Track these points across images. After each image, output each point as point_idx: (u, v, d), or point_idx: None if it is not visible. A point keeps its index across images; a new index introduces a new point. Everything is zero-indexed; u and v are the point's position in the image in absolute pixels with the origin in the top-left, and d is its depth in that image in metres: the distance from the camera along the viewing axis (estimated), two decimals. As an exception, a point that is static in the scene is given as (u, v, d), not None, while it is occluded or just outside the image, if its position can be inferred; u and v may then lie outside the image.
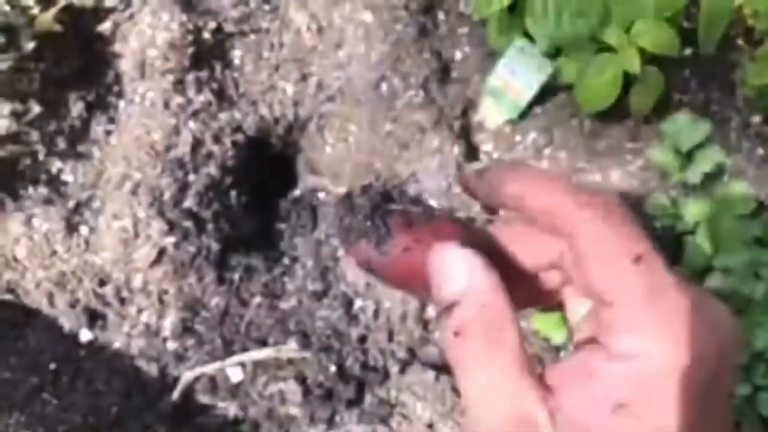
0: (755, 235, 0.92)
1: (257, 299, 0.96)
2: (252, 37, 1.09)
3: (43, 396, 0.91)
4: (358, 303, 0.97)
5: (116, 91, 1.05)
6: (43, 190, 0.98)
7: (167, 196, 0.96)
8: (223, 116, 1.03)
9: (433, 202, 0.35)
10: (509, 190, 0.34)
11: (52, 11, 1.00)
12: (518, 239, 0.36)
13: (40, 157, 0.99)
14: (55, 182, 1.00)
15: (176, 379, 0.93)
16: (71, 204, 0.98)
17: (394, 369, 0.95)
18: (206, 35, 1.06)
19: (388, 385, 0.95)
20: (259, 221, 1.05)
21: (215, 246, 0.96)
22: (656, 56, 0.97)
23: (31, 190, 0.97)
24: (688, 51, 1.04)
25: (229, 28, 1.08)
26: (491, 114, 1.07)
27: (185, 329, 0.94)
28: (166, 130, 0.99)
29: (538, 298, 0.37)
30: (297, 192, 1.08)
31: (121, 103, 1.04)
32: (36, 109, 0.98)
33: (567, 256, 0.35)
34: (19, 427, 0.87)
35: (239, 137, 1.04)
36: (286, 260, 1.01)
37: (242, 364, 0.92)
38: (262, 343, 0.94)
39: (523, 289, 0.36)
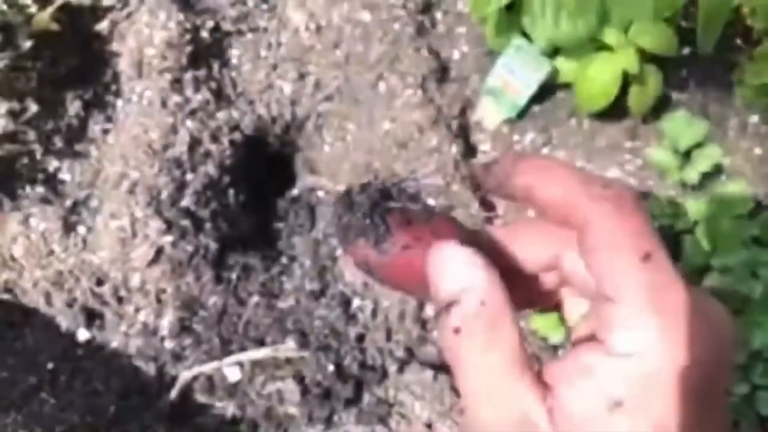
0: (753, 234, 0.92)
1: (255, 298, 0.95)
2: (250, 36, 1.09)
3: (40, 395, 0.91)
4: (356, 302, 0.97)
5: (114, 90, 1.05)
6: (40, 190, 0.98)
7: (165, 195, 0.96)
8: (221, 115, 1.03)
9: (431, 201, 0.35)
10: (518, 181, 0.34)
11: (50, 10, 0.99)
12: (513, 240, 0.36)
13: (38, 156, 0.98)
14: (52, 181, 0.99)
15: (174, 379, 0.92)
16: (69, 203, 0.98)
17: (392, 368, 0.95)
18: (204, 34, 1.06)
19: (387, 385, 0.95)
20: (256, 220, 1.05)
21: (213, 245, 0.96)
22: (655, 56, 0.97)
23: (28, 189, 0.97)
24: (686, 50, 1.04)
25: (226, 27, 1.08)
26: (489, 113, 1.07)
27: (183, 328, 0.93)
28: (163, 129, 0.99)
29: (537, 299, 0.37)
30: (295, 191, 1.08)
31: (119, 102, 1.04)
32: (33, 108, 0.98)
33: (562, 258, 0.35)
34: (16, 427, 0.87)
35: (237, 136, 1.03)
36: (284, 259, 1.01)
37: (240, 364, 0.92)
38: (260, 343, 0.94)
39: (522, 289, 0.36)
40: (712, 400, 0.30)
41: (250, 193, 1.05)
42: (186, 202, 0.97)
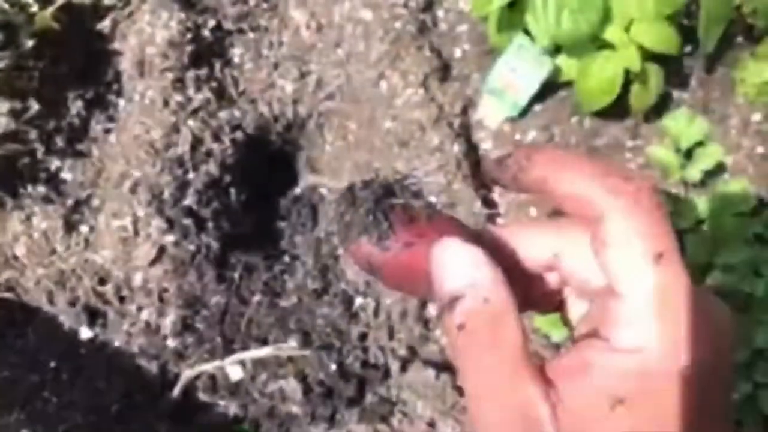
0: (755, 232, 0.92)
1: (257, 297, 0.95)
2: (251, 35, 1.09)
3: (43, 394, 0.91)
4: (358, 301, 0.97)
5: (115, 89, 1.05)
6: (42, 189, 0.98)
7: (167, 194, 0.96)
8: (223, 114, 1.03)
9: (433, 199, 0.34)
10: (533, 174, 0.34)
11: (51, 9, 0.99)
12: (514, 240, 0.36)
13: (39, 155, 0.98)
14: (54, 181, 0.99)
15: (176, 377, 0.92)
16: (70, 202, 0.98)
17: (394, 367, 0.95)
18: (205, 33, 1.06)
19: (389, 384, 0.95)
20: (258, 219, 1.05)
21: (215, 244, 0.96)
22: (656, 54, 0.97)
23: (30, 188, 0.97)
24: (688, 49, 1.04)
25: (228, 26, 1.08)
26: (491, 112, 1.07)
27: (185, 327, 0.93)
28: (165, 128, 0.99)
29: (539, 299, 0.37)
30: (297, 190, 1.08)
31: (121, 102, 1.04)
32: (35, 107, 0.98)
33: (562, 257, 0.35)
34: (19, 426, 0.87)
35: (239, 135, 1.03)
36: (286, 258, 1.01)
37: (242, 363, 0.92)
38: (263, 342, 0.94)
39: (524, 289, 0.36)
40: (714, 397, 0.31)
41: (251, 192, 1.05)
42: (188, 201, 0.97)
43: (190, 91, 1.02)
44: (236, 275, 0.96)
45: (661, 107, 1.04)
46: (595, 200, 0.31)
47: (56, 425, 0.89)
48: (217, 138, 1.01)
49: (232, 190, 1.02)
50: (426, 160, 1.00)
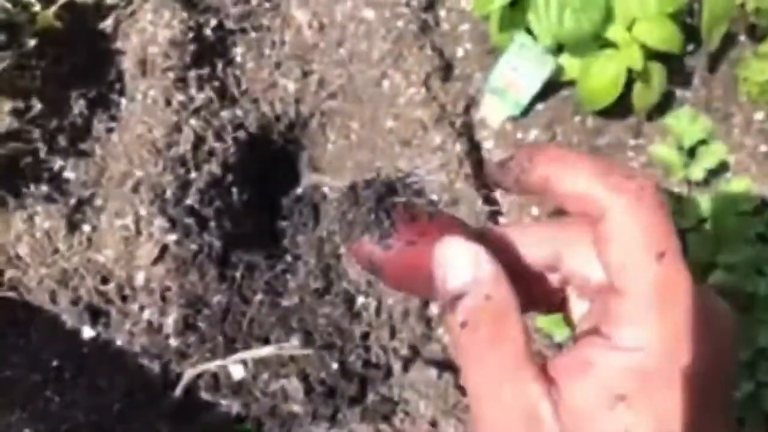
0: (758, 231, 0.92)
1: (259, 296, 0.95)
2: (253, 34, 1.09)
3: (45, 393, 0.91)
4: (360, 300, 0.97)
5: (118, 88, 1.05)
6: (44, 188, 0.98)
7: (169, 193, 0.96)
8: (225, 114, 1.03)
9: (434, 197, 0.35)
10: (535, 175, 0.34)
11: (53, 8, 0.99)
12: (515, 239, 0.36)
13: (42, 154, 0.99)
14: (56, 180, 0.99)
15: (179, 377, 0.93)
16: (73, 202, 0.98)
17: (396, 366, 0.95)
18: (207, 33, 1.06)
19: (391, 383, 0.95)
20: (260, 219, 1.05)
21: (217, 243, 0.96)
22: (659, 53, 0.97)
23: (32, 187, 0.97)
24: (690, 47, 1.04)
25: (230, 25, 1.08)
26: (493, 111, 1.07)
27: (187, 326, 0.93)
28: (167, 127, 0.99)
29: (541, 299, 0.37)
30: (299, 189, 1.08)
31: (123, 101, 1.04)
32: (37, 106, 0.98)
33: (562, 257, 0.35)
34: (21, 425, 0.87)
35: (241, 135, 1.04)
36: (288, 258, 1.01)
37: (244, 362, 0.92)
38: (264, 341, 0.94)
39: (525, 288, 0.36)
40: (715, 396, 0.31)
41: (254, 191, 1.05)
42: (190, 200, 0.97)
43: (193, 91, 1.02)
44: (238, 274, 0.96)
45: (663, 106, 1.04)
46: (597, 198, 0.31)
47: (58, 424, 0.89)
48: (219, 137, 1.01)
49: (234, 190, 1.02)
50: (428, 159, 1.00)
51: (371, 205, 0.34)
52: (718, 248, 0.91)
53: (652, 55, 0.96)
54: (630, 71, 0.96)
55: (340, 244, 0.98)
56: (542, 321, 0.95)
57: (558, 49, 1.02)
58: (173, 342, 0.93)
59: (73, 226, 0.97)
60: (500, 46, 1.04)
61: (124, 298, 0.95)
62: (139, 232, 0.95)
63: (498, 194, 1.05)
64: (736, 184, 0.97)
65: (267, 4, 1.09)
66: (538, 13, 0.97)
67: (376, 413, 0.93)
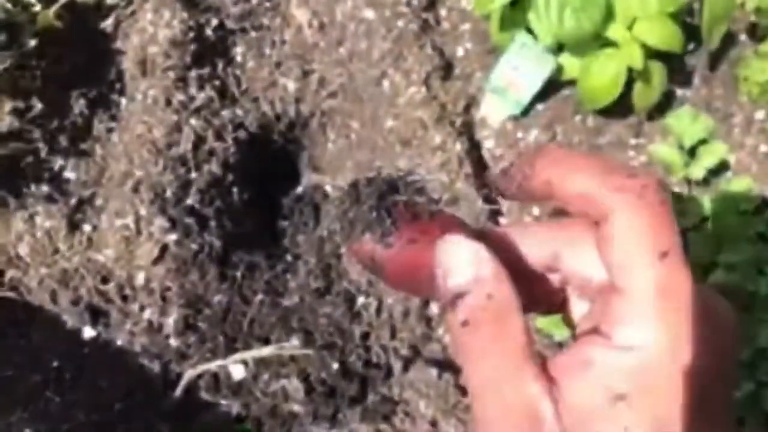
0: (759, 231, 0.92)
1: (260, 296, 0.95)
2: (253, 34, 1.09)
3: (46, 393, 0.91)
4: (360, 300, 0.97)
5: (118, 88, 1.05)
6: (45, 188, 0.98)
7: (169, 193, 0.96)
8: (225, 113, 1.03)
9: (435, 196, 0.35)
10: (537, 180, 0.34)
11: (54, 8, 0.99)
12: (515, 239, 0.36)
13: (42, 154, 0.99)
14: (57, 180, 0.99)
15: (179, 377, 0.92)
16: (73, 201, 0.98)
17: (397, 366, 0.95)
18: (208, 32, 1.06)
19: (391, 383, 0.95)
20: (261, 218, 1.05)
21: (217, 243, 0.96)
22: (659, 52, 0.96)
23: (33, 187, 0.97)
24: (691, 46, 1.04)
25: (230, 25, 1.08)
26: (494, 110, 1.07)
27: (188, 326, 0.93)
28: (167, 127, 0.99)
29: (541, 299, 0.37)
30: (299, 189, 1.08)
31: (123, 101, 1.04)
32: (38, 106, 0.98)
33: (562, 257, 0.35)
34: (22, 425, 0.87)
35: (241, 134, 1.04)
36: (288, 257, 1.01)
37: (245, 362, 0.92)
38: (265, 341, 0.94)
39: (526, 289, 0.36)
40: (716, 395, 0.31)
41: (254, 191, 1.05)
42: (190, 200, 0.97)
43: (193, 90, 1.02)
44: (238, 274, 0.96)
45: (664, 105, 1.04)
46: (599, 198, 0.31)
47: (59, 424, 0.89)
48: (219, 137, 1.01)
49: (235, 189, 1.02)
50: (428, 158, 1.00)
51: (372, 204, 0.34)
52: (718, 248, 0.91)
53: (652, 54, 0.96)
54: (630, 70, 0.96)
55: (340, 243, 0.98)
56: (542, 321, 0.95)
57: (558, 48, 1.02)
58: (173, 342, 0.93)
59: (73, 226, 0.96)
60: (501, 45, 1.04)
61: (124, 298, 0.95)
62: (139, 232, 0.95)
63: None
64: (736, 183, 0.97)
65: (267, 4, 1.09)
66: (538, 12, 0.97)
67: (377, 413, 0.93)
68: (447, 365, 0.95)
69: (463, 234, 0.33)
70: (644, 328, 0.30)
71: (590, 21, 0.95)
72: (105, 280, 0.95)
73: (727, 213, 0.93)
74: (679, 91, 1.05)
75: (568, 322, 0.37)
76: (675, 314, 0.30)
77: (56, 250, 0.96)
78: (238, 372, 0.93)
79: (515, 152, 1.06)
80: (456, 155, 1.00)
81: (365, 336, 0.96)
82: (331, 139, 1.07)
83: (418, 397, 0.94)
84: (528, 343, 0.31)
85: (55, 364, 0.93)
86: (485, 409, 0.31)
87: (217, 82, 1.05)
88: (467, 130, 1.06)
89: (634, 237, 0.31)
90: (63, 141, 1.00)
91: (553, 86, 1.05)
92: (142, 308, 0.94)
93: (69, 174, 1.00)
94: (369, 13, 1.06)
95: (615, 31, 0.97)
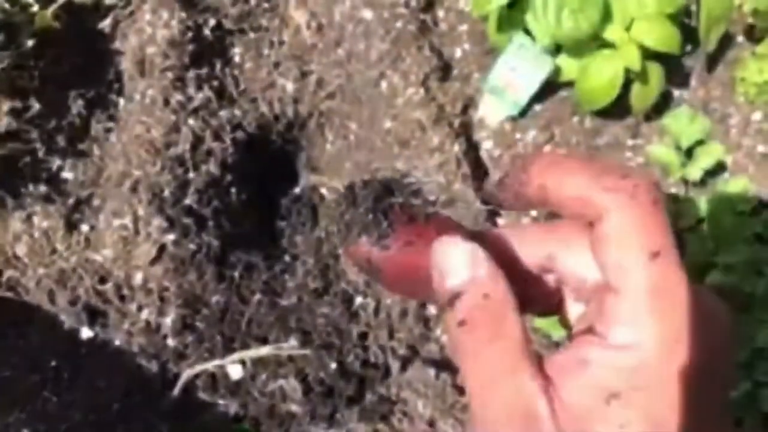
0: (756, 232, 0.92)
1: (257, 296, 0.95)
2: (252, 34, 1.09)
3: (43, 394, 0.91)
4: (358, 300, 0.97)
5: (116, 88, 1.05)
6: (43, 188, 0.98)
7: (167, 193, 0.96)
8: (223, 114, 1.03)
9: (432, 198, 0.35)
10: (533, 186, 0.34)
11: (52, 8, 0.99)
12: (510, 240, 0.36)
13: (40, 154, 0.98)
14: (55, 180, 0.99)
15: (177, 377, 0.93)
16: (71, 202, 0.98)
17: (394, 366, 0.96)
18: (206, 33, 1.06)
19: (389, 383, 0.95)
20: (259, 219, 1.05)
21: (215, 243, 0.96)
22: (657, 53, 0.97)
23: (31, 187, 0.97)
24: (688, 48, 1.04)
25: (228, 25, 1.08)
26: (492, 111, 1.07)
27: (185, 326, 0.93)
28: (166, 127, 0.99)
29: (537, 300, 0.37)
30: (297, 189, 1.08)
31: (121, 101, 1.04)
32: (36, 106, 0.98)
33: (557, 258, 0.35)
34: (20, 425, 0.87)
35: (239, 135, 1.04)
36: (286, 258, 1.01)
37: (242, 362, 0.92)
38: (263, 341, 0.94)
39: (522, 290, 0.36)
40: (711, 395, 0.31)
41: (252, 191, 1.05)
42: (188, 200, 0.97)
43: (191, 91, 1.02)
44: (236, 274, 0.96)
45: (661, 106, 1.04)
46: (593, 199, 0.32)
47: (57, 424, 0.89)
48: (217, 137, 1.01)
49: (233, 190, 1.02)
50: (426, 159, 1.00)
51: (369, 206, 0.34)
52: (716, 248, 0.92)
53: (650, 55, 0.97)
54: (628, 71, 0.96)
55: (338, 244, 0.98)
56: (540, 321, 0.95)
57: (556, 49, 1.02)
58: (171, 342, 0.93)
59: (71, 226, 0.96)
60: (498, 46, 1.04)
61: (122, 298, 0.95)
62: (137, 232, 0.95)
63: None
64: (733, 184, 0.97)
65: (266, 5, 1.09)
66: (536, 13, 0.97)
67: (375, 413, 0.93)
68: (444, 365, 0.95)
69: (459, 235, 0.33)
70: (638, 327, 0.30)
71: (588, 22, 0.95)
72: (103, 280, 0.95)
73: (724, 214, 0.93)
74: (677, 92, 1.05)
75: (565, 323, 0.38)
76: (669, 314, 0.30)
77: (54, 251, 0.96)
78: (236, 372, 0.93)
79: (513, 153, 1.07)
80: (454, 156, 1.00)
81: (363, 336, 0.96)
82: (330, 139, 1.07)
83: (416, 396, 0.94)
84: (525, 342, 0.31)
85: (53, 364, 0.93)
86: (483, 407, 0.31)
87: (215, 83, 1.05)
88: (465, 131, 1.06)
89: (626, 237, 0.31)
90: (61, 141, 1.00)
91: (550, 87, 1.05)
92: (139, 308, 0.94)
93: (67, 174, 1.00)
94: (367, 14, 1.06)
95: (613, 33, 0.97)
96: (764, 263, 0.90)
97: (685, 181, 1.00)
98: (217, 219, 0.98)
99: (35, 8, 0.99)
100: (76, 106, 1.01)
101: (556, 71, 1.02)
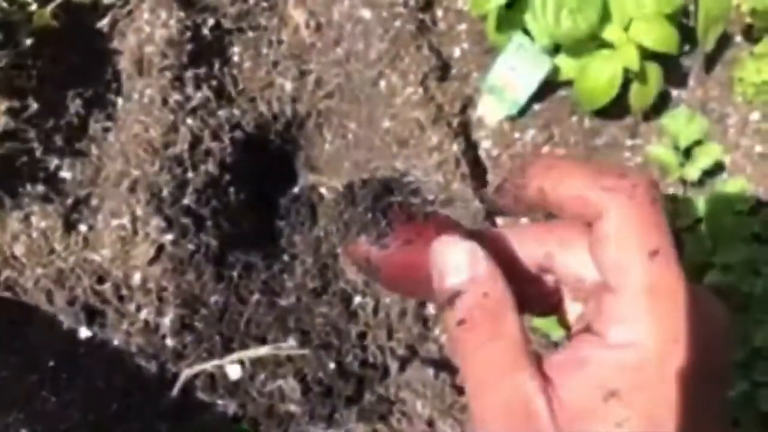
0: (754, 231, 0.92)
1: (256, 296, 0.95)
2: (250, 34, 1.09)
3: (42, 394, 0.91)
4: (357, 300, 0.97)
5: (114, 88, 1.05)
6: (41, 188, 0.98)
7: (166, 193, 0.96)
8: (222, 113, 1.03)
9: (431, 197, 0.35)
10: (531, 188, 0.34)
11: (50, 7, 0.99)
12: (509, 240, 0.36)
13: (38, 154, 0.98)
14: (53, 180, 0.99)
15: (175, 377, 0.92)
16: (69, 201, 0.98)
17: (393, 366, 0.96)
18: (205, 32, 1.06)
19: (388, 383, 0.95)
20: (257, 218, 1.05)
21: (214, 243, 0.96)
22: (655, 53, 0.97)
23: (29, 187, 0.97)
24: (687, 48, 1.04)
25: (227, 25, 1.08)
26: (490, 111, 1.07)
27: (184, 326, 0.93)
28: (164, 127, 0.99)
29: (536, 300, 0.38)
30: (296, 189, 1.08)
31: (119, 100, 1.04)
32: (34, 106, 0.98)
33: (555, 257, 0.35)
34: (18, 425, 0.87)
35: (238, 134, 1.04)
36: (285, 257, 1.01)
37: (241, 362, 0.92)
38: (261, 341, 0.94)
39: (521, 290, 0.36)
40: (708, 393, 0.31)
41: (251, 191, 1.05)
42: (187, 200, 0.97)
43: (189, 90, 1.02)
44: (235, 274, 0.96)
45: (660, 106, 1.04)
46: (591, 199, 0.32)
47: (55, 425, 0.89)
48: (216, 137, 1.01)
49: (231, 189, 1.02)
50: (425, 159, 1.00)
51: (368, 205, 0.34)
52: (714, 248, 0.92)
53: (648, 55, 0.97)
54: (626, 71, 0.96)
55: (337, 243, 0.98)
56: (539, 321, 0.95)
57: (555, 49, 1.02)
58: (170, 342, 0.93)
59: (69, 226, 0.96)
60: (497, 45, 1.04)
61: (120, 298, 0.95)
62: (135, 232, 0.95)
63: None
64: (731, 184, 0.97)
65: (264, 4, 1.09)
66: (535, 13, 0.98)
67: (373, 413, 0.93)
68: (443, 365, 0.95)
69: (458, 234, 0.33)
70: (636, 326, 0.30)
71: (586, 22, 0.95)
72: (101, 280, 0.95)
73: (722, 214, 0.93)
74: (675, 92, 1.06)
75: (564, 324, 0.38)
76: (666, 312, 0.30)
77: (52, 250, 0.95)
78: (234, 372, 0.93)
79: (512, 152, 1.07)
80: (453, 156, 1.00)
81: (362, 336, 0.96)
82: (328, 139, 1.07)
83: (415, 397, 0.94)
84: (524, 341, 0.31)
85: (51, 364, 0.93)
86: (482, 406, 0.31)
87: (213, 82, 1.04)
88: (464, 131, 1.06)
89: (624, 236, 0.31)
90: (59, 141, 1.00)
91: (549, 87, 1.05)
92: (138, 308, 0.94)
93: (65, 174, 1.00)
94: (366, 14, 1.06)
95: (611, 32, 0.97)
96: (762, 263, 0.90)
97: (684, 181, 1.00)
98: (216, 219, 0.98)
99: (33, 7, 0.99)
100: (74, 105, 1.01)
101: (555, 71, 1.03)
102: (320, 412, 0.92)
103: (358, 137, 1.05)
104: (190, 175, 0.98)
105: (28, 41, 0.97)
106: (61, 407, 0.90)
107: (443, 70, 1.08)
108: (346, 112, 1.06)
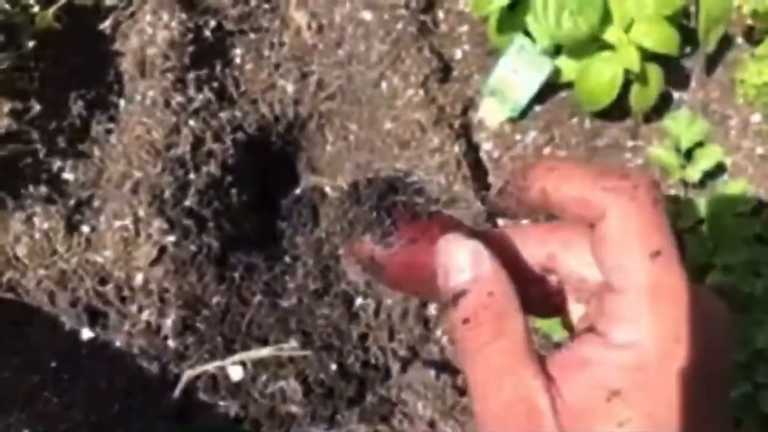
0: (755, 233, 0.93)
1: (258, 298, 0.95)
2: (252, 35, 1.09)
3: (44, 394, 0.91)
4: (358, 301, 0.97)
5: (116, 89, 1.05)
6: (43, 189, 0.98)
7: (168, 194, 0.96)
8: (224, 115, 1.03)
9: (434, 196, 0.35)
10: (534, 190, 0.34)
11: (52, 9, 1.00)
12: (512, 240, 0.36)
13: (41, 155, 0.99)
14: (55, 181, 0.99)
15: (177, 378, 0.92)
16: (72, 203, 0.98)
17: (395, 367, 0.96)
18: (207, 34, 1.06)
19: (389, 384, 0.95)
20: (259, 220, 1.05)
21: (216, 244, 0.96)
22: (656, 55, 0.97)
23: (31, 188, 0.97)
24: (687, 49, 1.05)
25: (229, 26, 1.08)
26: (492, 113, 1.08)
27: (186, 328, 0.93)
28: (166, 128, 0.99)
29: (539, 301, 0.38)
30: (298, 191, 1.08)
31: (122, 102, 1.04)
32: (36, 107, 0.98)
33: (558, 257, 0.35)
34: (20, 426, 0.87)
35: (240, 136, 1.04)
36: (287, 259, 1.01)
37: (243, 363, 0.92)
38: (263, 342, 0.94)
39: (524, 290, 0.36)
40: (709, 394, 0.31)
41: (252, 192, 1.05)
42: (189, 201, 0.97)
43: (191, 92, 1.02)
44: (237, 275, 0.96)
45: (661, 108, 1.04)
46: (593, 200, 0.32)
47: (57, 425, 0.89)
48: (218, 138, 1.02)
49: (233, 191, 1.02)
50: (426, 160, 1.00)
51: (372, 204, 0.34)
52: (715, 249, 0.92)
53: (649, 56, 0.97)
54: (627, 73, 0.96)
55: (339, 244, 0.99)
56: (541, 321, 0.95)
57: (556, 50, 1.02)
58: (172, 343, 0.93)
59: (71, 227, 0.96)
60: (499, 47, 1.04)
61: (122, 300, 0.95)
62: (137, 233, 0.95)
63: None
64: (733, 185, 0.97)
65: (266, 6, 1.10)
66: (536, 15, 0.98)
67: (375, 414, 0.93)
68: (445, 366, 0.95)
69: (463, 234, 0.33)
70: (638, 326, 0.30)
71: (587, 24, 0.96)
72: (103, 282, 0.95)
73: (723, 215, 0.94)
74: (676, 94, 1.06)
75: (567, 325, 0.38)
76: (668, 313, 0.30)
77: (54, 252, 0.96)
78: (236, 373, 0.93)
79: (513, 154, 1.07)
80: (454, 157, 1.00)
81: (363, 337, 0.96)
82: (330, 140, 1.07)
83: (416, 398, 0.94)
84: (527, 340, 0.31)
85: (53, 365, 0.93)
86: (485, 405, 0.31)
87: (215, 84, 1.05)
88: (465, 132, 1.06)
89: (626, 236, 0.31)
90: (61, 142, 1.00)
91: (550, 89, 1.05)
92: (140, 309, 0.94)
93: (67, 175, 1.00)
94: (367, 16, 1.07)
95: (612, 34, 0.97)
96: (763, 264, 0.90)
97: (685, 183, 1.00)
98: (218, 220, 0.98)
99: (36, 9, 0.99)
100: (77, 107, 1.02)
101: (556, 73, 1.03)
102: (322, 413, 0.92)
103: (360, 139, 1.05)
104: (192, 176, 0.98)
105: (31, 43, 0.97)
106: (62, 408, 0.90)
107: (444, 72, 1.08)
108: (347, 114, 1.06)
